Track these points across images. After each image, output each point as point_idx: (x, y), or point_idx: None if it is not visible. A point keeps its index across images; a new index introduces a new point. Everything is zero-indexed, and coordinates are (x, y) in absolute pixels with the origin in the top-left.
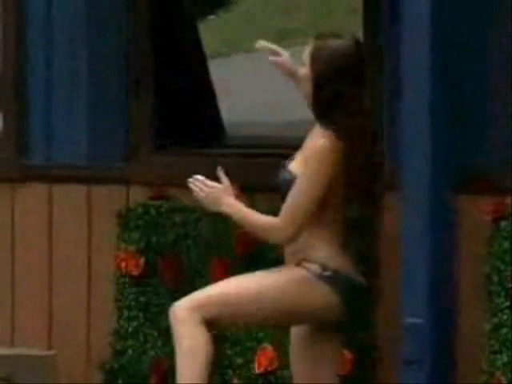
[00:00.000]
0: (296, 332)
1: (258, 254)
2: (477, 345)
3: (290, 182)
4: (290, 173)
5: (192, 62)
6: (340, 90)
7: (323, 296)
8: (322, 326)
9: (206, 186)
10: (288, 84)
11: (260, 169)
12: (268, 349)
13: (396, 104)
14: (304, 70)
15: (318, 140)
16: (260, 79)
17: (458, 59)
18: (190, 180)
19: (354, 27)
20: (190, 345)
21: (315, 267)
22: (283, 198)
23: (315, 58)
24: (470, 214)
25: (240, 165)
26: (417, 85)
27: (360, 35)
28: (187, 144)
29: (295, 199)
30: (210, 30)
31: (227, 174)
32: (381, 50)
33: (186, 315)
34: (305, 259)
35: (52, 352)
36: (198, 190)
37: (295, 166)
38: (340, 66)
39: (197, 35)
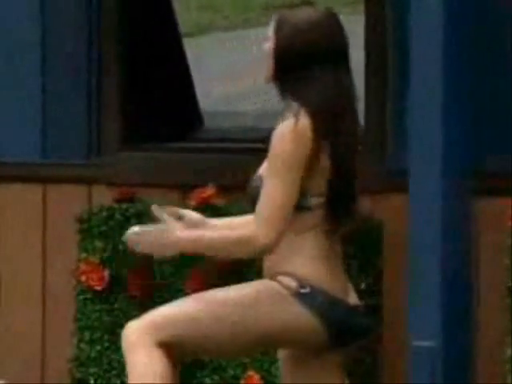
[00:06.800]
0: (285, 358)
1: (238, 264)
2: (497, 371)
3: (259, 189)
4: (258, 178)
5: (165, 44)
6: (304, 66)
7: (297, 317)
8: (309, 351)
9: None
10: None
11: (239, 165)
12: (254, 377)
13: (403, 101)
14: (267, 44)
15: (280, 126)
16: (242, 59)
17: (471, 55)
18: (125, 238)
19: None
20: (144, 374)
21: (291, 282)
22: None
23: (278, 31)
24: (488, 219)
25: (217, 161)
26: (427, 80)
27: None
28: (158, 138)
29: (267, 198)
30: (189, 5)
31: (203, 172)
32: (385, 42)
33: (137, 339)
34: (280, 272)
35: (1, 382)
36: (133, 243)
37: (263, 169)
38: (305, 38)
39: (171, 11)
